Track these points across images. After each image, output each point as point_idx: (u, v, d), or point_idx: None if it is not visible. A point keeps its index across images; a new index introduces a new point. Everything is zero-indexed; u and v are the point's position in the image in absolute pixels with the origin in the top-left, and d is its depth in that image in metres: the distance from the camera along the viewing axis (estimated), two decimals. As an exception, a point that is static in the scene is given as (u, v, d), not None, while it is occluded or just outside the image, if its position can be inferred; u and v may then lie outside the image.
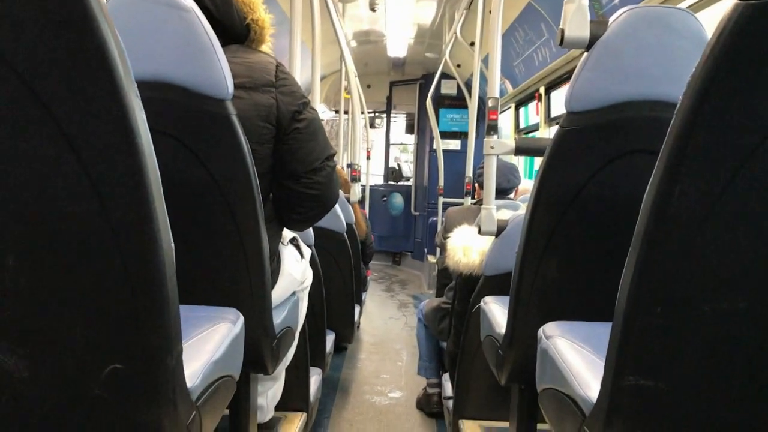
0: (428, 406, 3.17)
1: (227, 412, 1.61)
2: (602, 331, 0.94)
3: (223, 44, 1.32)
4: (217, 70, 1.27)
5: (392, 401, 3.43)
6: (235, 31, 1.52)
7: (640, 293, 0.79)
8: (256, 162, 1.36)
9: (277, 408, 2.03)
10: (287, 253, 1.75)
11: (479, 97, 4.28)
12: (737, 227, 0.74)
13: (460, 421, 2.35)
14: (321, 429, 2.88)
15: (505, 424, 1.86)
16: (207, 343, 1.11)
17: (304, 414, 2.30)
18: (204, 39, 1.26)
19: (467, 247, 2.31)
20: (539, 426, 1.69)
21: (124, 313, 0.79)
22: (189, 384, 0.93)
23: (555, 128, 1.61)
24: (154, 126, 0.79)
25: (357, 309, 3.84)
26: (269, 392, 1.94)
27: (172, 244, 0.82)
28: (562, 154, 1.33)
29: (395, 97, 9.28)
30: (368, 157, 7.37)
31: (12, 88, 0.70)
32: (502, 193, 2.97)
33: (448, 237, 2.49)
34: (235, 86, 1.33)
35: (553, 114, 4.74)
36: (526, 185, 3.50)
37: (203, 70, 1.26)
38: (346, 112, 5.74)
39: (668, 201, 0.75)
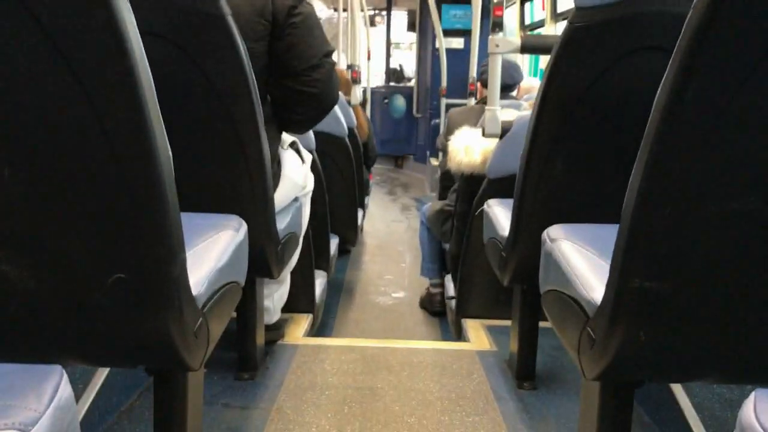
0: (431, 305, 3.25)
1: (235, 315, 1.64)
2: (607, 233, 0.93)
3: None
4: (209, -33, 1.20)
5: (396, 301, 3.51)
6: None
7: (649, 193, 0.78)
8: (251, 61, 1.32)
9: (284, 310, 2.07)
10: (287, 157, 1.73)
11: (483, -8, 4.12)
12: (753, 126, 0.72)
13: (462, 319, 2.41)
14: (327, 329, 2.96)
15: (507, 322, 1.91)
16: (211, 250, 1.11)
17: (311, 315, 2.35)
18: (193, -68, 1.19)
19: (469, 147, 2.29)
20: (541, 323, 1.73)
21: (125, 221, 0.78)
22: (194, 291, 0.93)
23: (561, 24, 1.55)
24: (145, 28, 0.75)
25: (360, 212, 3.86)
26: (275, 295, 1.97)
27: (169, 150, 0.80)
28: (570, 52, 1.28)
29: (396, -8, 8.97)
30: (369, 58, 7.19)
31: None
32: (504, 90, 2.90)
33: (450, 139, 2.46)
34: None
35: (561, 8, 4.57)
36: (531, 83, 3.43)
37: (193, -34, 1.20)
38: (345, 10, 5.56)
39: (681, 99, 0.72)
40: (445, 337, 2.90)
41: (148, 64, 0.74)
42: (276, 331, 2.05)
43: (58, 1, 0.67)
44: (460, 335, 2.42)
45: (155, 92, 0.76)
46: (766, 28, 0.67)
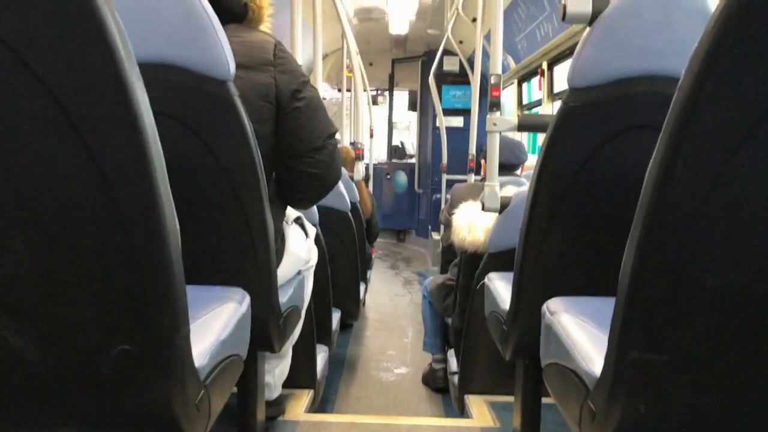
0: (434, 381, 3.20)
1: (236, 389, 1.63)
2: (606, 305, 0.95)
3: (222, 24, 1.32)
4: (219, 51, 1.26)
5: (398, 377, 3.46)
6: (234, 11, 1.51)
7: (642, 268, 0.80)
8: (258, 142, 1.36)
9: (285, 385, 2.05)
10: (292, 232, 1.75)
11: (482, 74, 4.25)
12: (740, 201, 0.74)
13: (465, 395, 2.38)
14: (328, 405, 2.91)
15: (511, 398, 1.89)
16: (214, 322, 1.12)
17: (312, 391, 2.32)
18: (204, 19, 1.25)
19: (472, 224, 2.32)
20: (544, 400, 1.71)
21: (132, 294, 0.80)
22: (197, 363, 0.94)
23: (558, 103, 1.61)
24: (157, 108, 0.79)
25: (362, 286, 3.86)
26: (276, 370, 1.96)
27: (178, 226, 0.83)
28: (565, 130, 1.33)
29: (397, 74, 9.23)
30: (371, 136, 7.35)
31: (14, 72, 0.70)
32: (509, 168, 2.96)
33: (453, 213, 2.50)
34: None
35: (556, 89, 4.71)
36: (532, 161, 3.49)
37: (204, 50, 1.26)
38: (348, 90, 5.72)
39: (671, 175, 0.74)
40: (448, 414, 2.85)
41: (159, 141, 0.78)
42: (276, 406, 2.02)
43: (76, 81, 0.71)
44: (463, 412, 2.38)
45: (165, 168, 0.79)
46: (750, 105, 0.71)
